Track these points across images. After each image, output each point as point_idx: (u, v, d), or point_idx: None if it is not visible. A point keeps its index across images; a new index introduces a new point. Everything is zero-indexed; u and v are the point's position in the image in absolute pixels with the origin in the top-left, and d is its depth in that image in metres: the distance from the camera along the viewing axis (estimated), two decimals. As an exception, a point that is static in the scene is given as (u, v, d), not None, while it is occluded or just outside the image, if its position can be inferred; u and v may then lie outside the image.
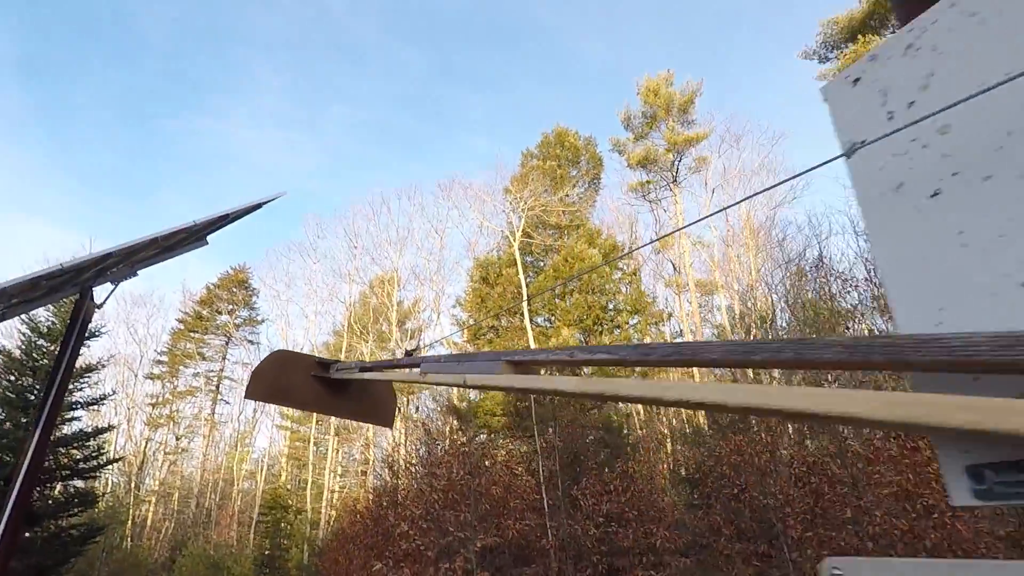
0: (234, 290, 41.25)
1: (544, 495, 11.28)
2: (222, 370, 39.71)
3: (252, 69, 59.73)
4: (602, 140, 37.38)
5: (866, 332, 21.26)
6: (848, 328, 20.13)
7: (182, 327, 39.32)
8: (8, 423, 11.53)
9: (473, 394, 27.15)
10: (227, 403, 39.61)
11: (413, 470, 15.79)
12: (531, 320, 24.91)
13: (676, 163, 25.36)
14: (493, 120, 56.64)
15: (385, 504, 17.46)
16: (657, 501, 11.63)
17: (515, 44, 57.48)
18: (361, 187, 63.07)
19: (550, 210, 29.66)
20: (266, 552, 26.71)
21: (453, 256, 41.95)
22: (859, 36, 21.93)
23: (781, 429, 12.21)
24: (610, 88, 53.75)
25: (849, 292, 20.09)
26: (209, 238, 10.20)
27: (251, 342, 40.79)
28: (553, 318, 25.56)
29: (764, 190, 2.46)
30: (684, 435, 18.87)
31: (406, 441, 30.72)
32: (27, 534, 10.62)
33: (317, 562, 22.61)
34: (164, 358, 38.77)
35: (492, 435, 19.52)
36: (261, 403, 38.74)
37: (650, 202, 29.20)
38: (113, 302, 10.02)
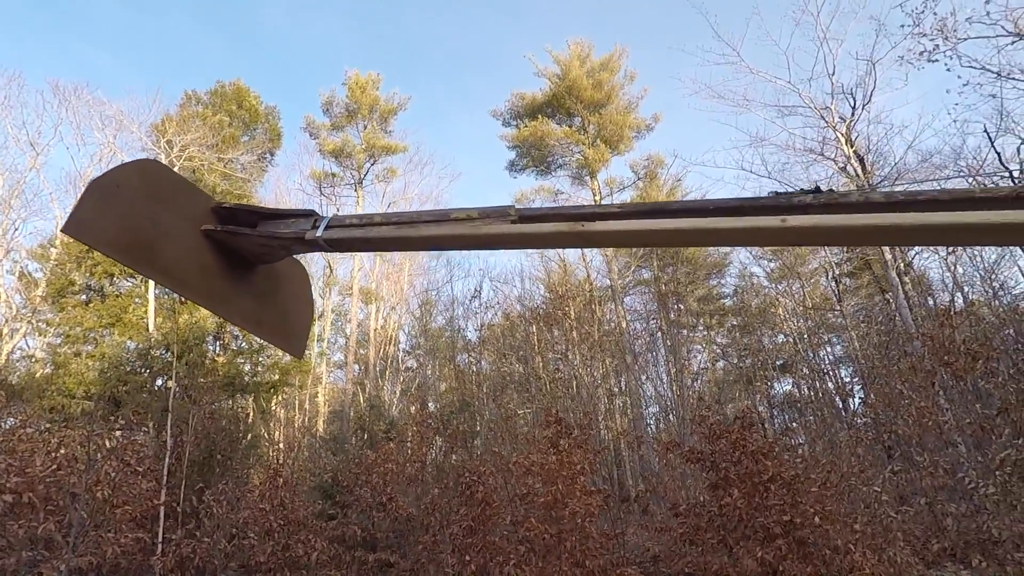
0: None
1: (164, 500, 8.99)
2: None
3: None
4: (288, 118, 34.47)
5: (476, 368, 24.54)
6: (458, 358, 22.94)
7: None
8: None
9: (28, 367, 20.14)
10: None
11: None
12: (157, 288, 20.31)
13: (368, 166, 25.13)
14: (129, 37, 45.11)
15: None
16: (299, 510, 10.64)
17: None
18: None
19: (211, 169, 25.51)
20: None
21: (47, 185, 31.29)
22: (538, 116, 26.20)
23: (434, 439, 12.85)
24: (291, 72, 50.18)
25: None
26: None
27: None
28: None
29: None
30: (322, 441, 18.08)
31: None
32: None
33: None
34: None
35: (67, 422, 14.83)
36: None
37: (326, 196, 28.01)
38: None
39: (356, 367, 28.04)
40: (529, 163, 27.72)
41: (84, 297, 21.33)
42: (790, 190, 1.18)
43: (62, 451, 8.34)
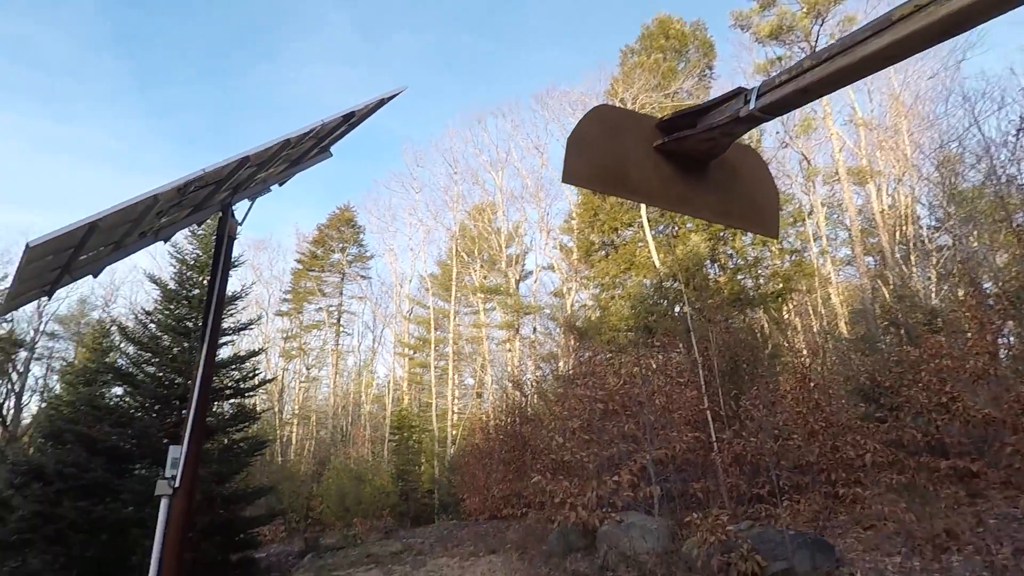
0: (342, 229, 42.32)
1: (708, 405, 10.24)
2: (340, 304, 41.59)
3: (317, 9, 59.73)
4: (713, 24, 33.10)
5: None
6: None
7: (300, 267, 41.36)
8: (175, 348, 12.10)
9: (588, 312, 26.26)
10: (348, 334, 41.87)
11: (546, 387, 15.36)
12: (652, 229, 23.14)
13: (817, 29, 21.44)
14: (567, 29, 52.25)
15: (518, 420, 17.48)
16: (839, 412, 10.21)
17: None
18: (434, 119, 62.26)
19: (661, 108, 26.97)
20: (399, 467, 28.35)
21: (555, 174, 40.30)
22: None
23: (1002, 324, 10.16)
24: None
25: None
26: (333, 149, 9.58)
27: (364, 277, 42.30)
28: (676, 225, 23.62)
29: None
30: (848, 342, 16.91)
31: (517, 362, 30.85)
32: (207, 445, 11.23)
33: (449, 476, 23.47)
34: (289, 296, 41.24)
35: (620, 350, 18.61)
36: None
37: (779, 89, 25.50)
38: (238, 248, 9.81)
39: (869, 259, 24.76)
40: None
41: (603, 252, 26.23)
42: None
43: (623, 371, 10.58)
